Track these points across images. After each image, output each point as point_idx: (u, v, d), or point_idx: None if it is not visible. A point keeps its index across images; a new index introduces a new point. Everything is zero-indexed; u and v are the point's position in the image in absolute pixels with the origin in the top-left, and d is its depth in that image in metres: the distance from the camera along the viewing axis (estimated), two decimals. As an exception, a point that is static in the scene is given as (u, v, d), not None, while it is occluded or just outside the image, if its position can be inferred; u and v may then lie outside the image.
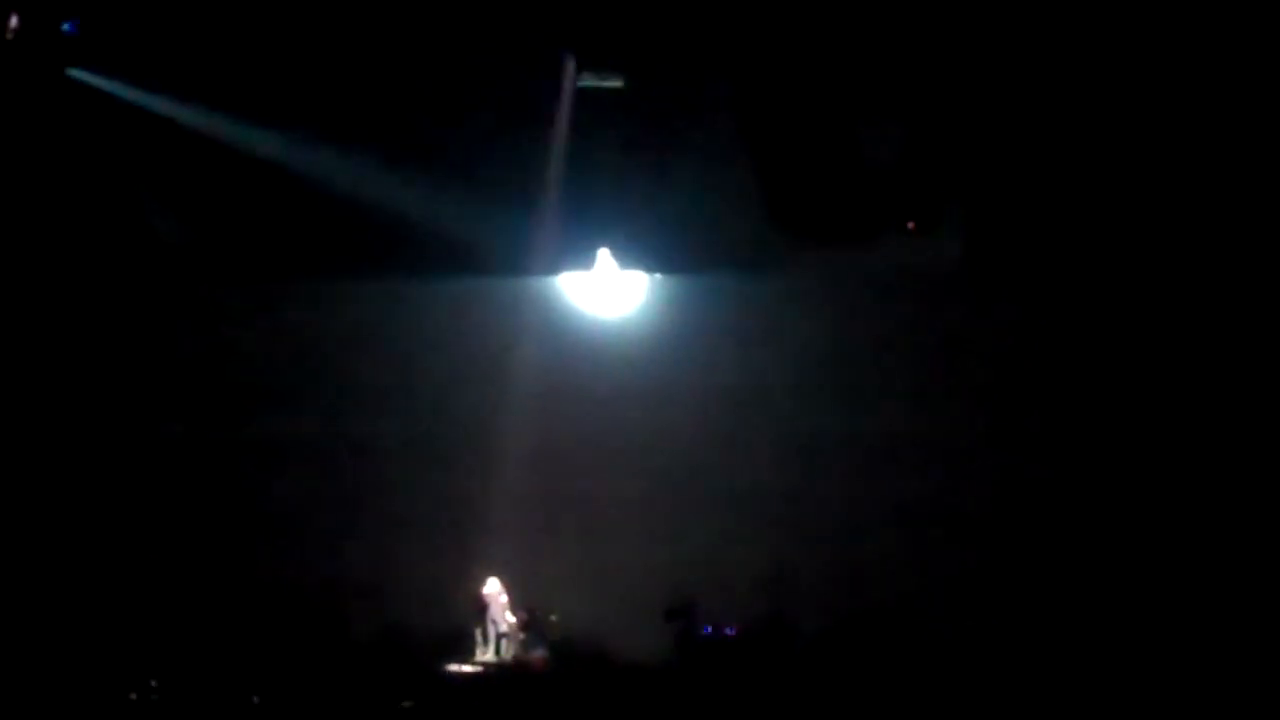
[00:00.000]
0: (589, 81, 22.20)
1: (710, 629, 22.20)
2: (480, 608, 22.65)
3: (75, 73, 21.93)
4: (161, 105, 22.47)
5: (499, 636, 22.53)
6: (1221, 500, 22.09)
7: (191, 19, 21.37)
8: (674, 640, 21.77)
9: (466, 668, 22.10)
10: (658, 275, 23.74)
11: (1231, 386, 22.33)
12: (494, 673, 21.86)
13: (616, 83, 22.21)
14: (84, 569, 22.92)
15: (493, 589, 22.67)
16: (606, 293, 23.81)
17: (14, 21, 21.10)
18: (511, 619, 22.52)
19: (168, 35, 21.50)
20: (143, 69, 21.89)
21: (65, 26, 21.40)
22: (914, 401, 23.14)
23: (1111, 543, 22.42)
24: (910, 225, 22.67)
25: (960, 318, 23.27)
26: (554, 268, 23.78)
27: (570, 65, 22.15)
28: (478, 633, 22.52)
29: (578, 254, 23.68)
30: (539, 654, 22.24)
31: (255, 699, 19.73)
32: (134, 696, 19.45)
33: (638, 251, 23.57)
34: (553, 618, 22.40)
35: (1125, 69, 20.80)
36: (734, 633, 22.19)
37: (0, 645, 20.50)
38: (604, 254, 23.66)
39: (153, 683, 19.71)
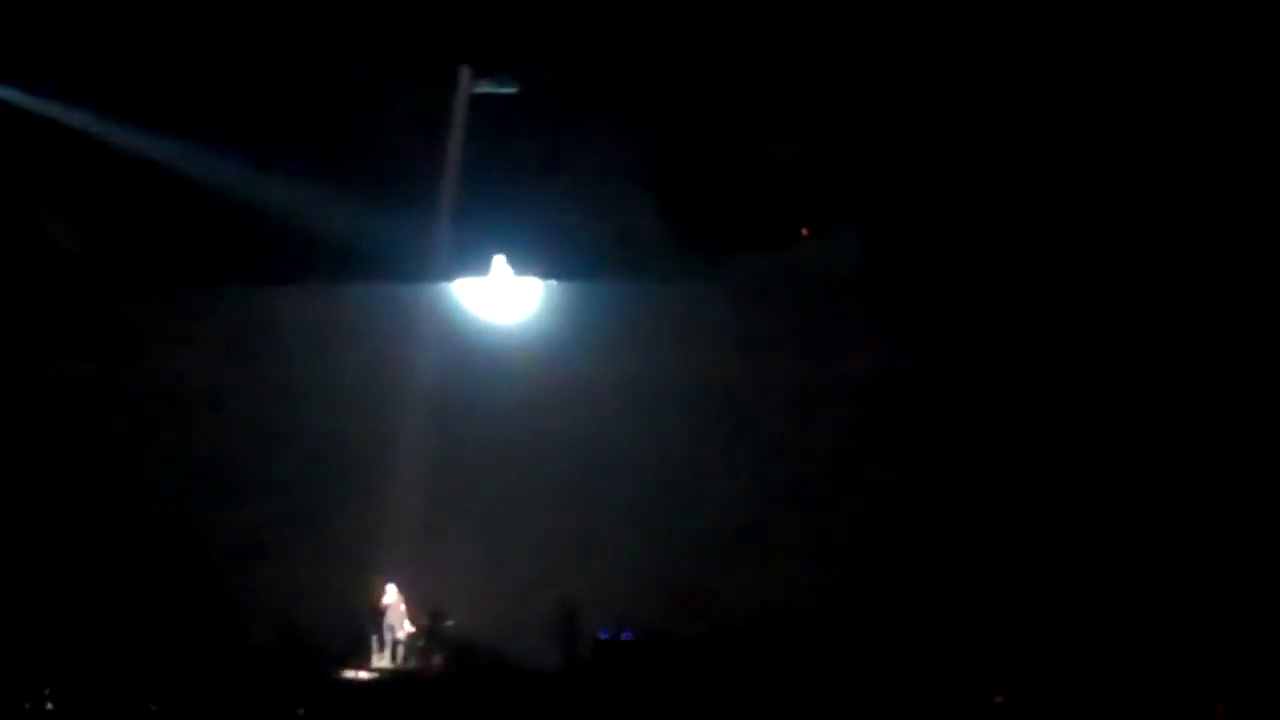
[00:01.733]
0: (485, 88, 22.25)
1: (608, 632, 22.28)
2: (378, 614, 22.65)
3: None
4: (57, 112, 22.38)
5: (395, 643, 22.55)
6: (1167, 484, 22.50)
7: (89, 24, 21.25)
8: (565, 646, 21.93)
9: (363, 674, 22.09)
10: (552, 281, 23.74)
11: (1135, 378, 22.69)
12: (390, 679, 21.88)
13: (511, 89, 22.27)
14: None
15: (391, 596, 22.68)
16: (501, 298, 23.81)
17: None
18: (409, 626, 22.54)
19: (63, 40, 21.37)
20: (37, 75, 21.73)
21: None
22: (806, 403, 23.31)
23: (1032, 532, 22.77)
24: (804, 231, 22.87)
25: (853, 321, 23.45)
26: (449, 274, 23.76)
27: (465, 73, 22.19)
28: (374, 639, 22.53)
29: (473, 260, 23.67)
30: (437, 659, 22.29)
31: (153, 707, 19.61)
32: (27, 707, 19.25)
33: (532, 258, 23.59)
34: (449, 623, 22.43)
35: (1022, 68, 21.04)
36: (630, 636, 22.28)
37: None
38: (499, 260, 23.66)
39: (47, 691, 19.52)
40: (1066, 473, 22.74)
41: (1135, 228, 22.08)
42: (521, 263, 23.70)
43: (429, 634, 22.45)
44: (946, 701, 19.52)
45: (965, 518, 22.84)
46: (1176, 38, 20.54)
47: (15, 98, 22.07)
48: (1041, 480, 22.75)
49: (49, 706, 19.20)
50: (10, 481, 23.40)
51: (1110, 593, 21.92)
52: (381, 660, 22.46)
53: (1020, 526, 22.66)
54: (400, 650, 22.56)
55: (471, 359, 23.55)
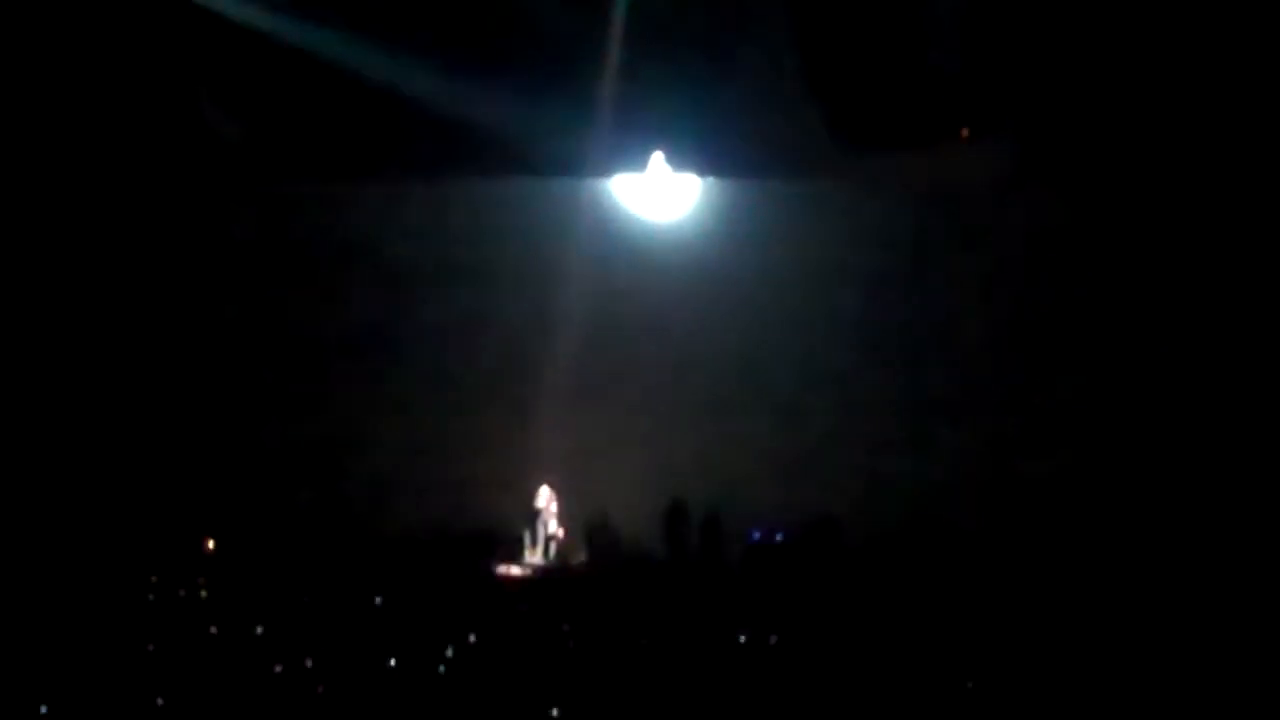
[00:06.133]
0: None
1: (759, 534, 22.21)
2: (532, 512, 22.77)
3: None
4: (223, 4, 22.58)
5: (548, 540, 22.68)
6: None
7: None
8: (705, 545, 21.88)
9: (515, 570, 22.25)
10: (710, 179, 23.57)
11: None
12: (540, 576, 22.04)
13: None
14: (127, 451, 23.22)
15: (544, 495, 22.80)
16: (659, 196, 23.69)
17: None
18: (557, 526, 22.67)
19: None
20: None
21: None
22: (966, 308, 23.02)
23: (1150, 457, 22.33)
24: (965, 132, 22.55)
25: (1013, 225, 23.05)
26: (607, 170, 23.68)
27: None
28: (527, 536, 22.67)
29: (631, 157, 23.58)
30: (581, 558, 22.42)
31: (305, 599, 19.82)
32: (182, 594, 19.53)
33: (691, 155, 23.45)
34: (599, 522, 22.51)
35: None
36: (782, 538, 22.20)
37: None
38: (657, 157, 23.57)
39: (200, 580, 19.82)
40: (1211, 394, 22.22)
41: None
42: (680, 160, 23.55)
43: (580, 533, 22.55)
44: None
45: (1109, 425, 22.49)
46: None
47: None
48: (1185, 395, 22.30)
49: (202, 595, 19.43)
50: (176, 356, 23.74)
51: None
52: (534, 557, 22.58)
53: (1164, 441, 22.28)
54: (553, 548, 22.66)
55: (627, 256, 23.47)
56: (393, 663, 16.24)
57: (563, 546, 22.59)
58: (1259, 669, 15.53)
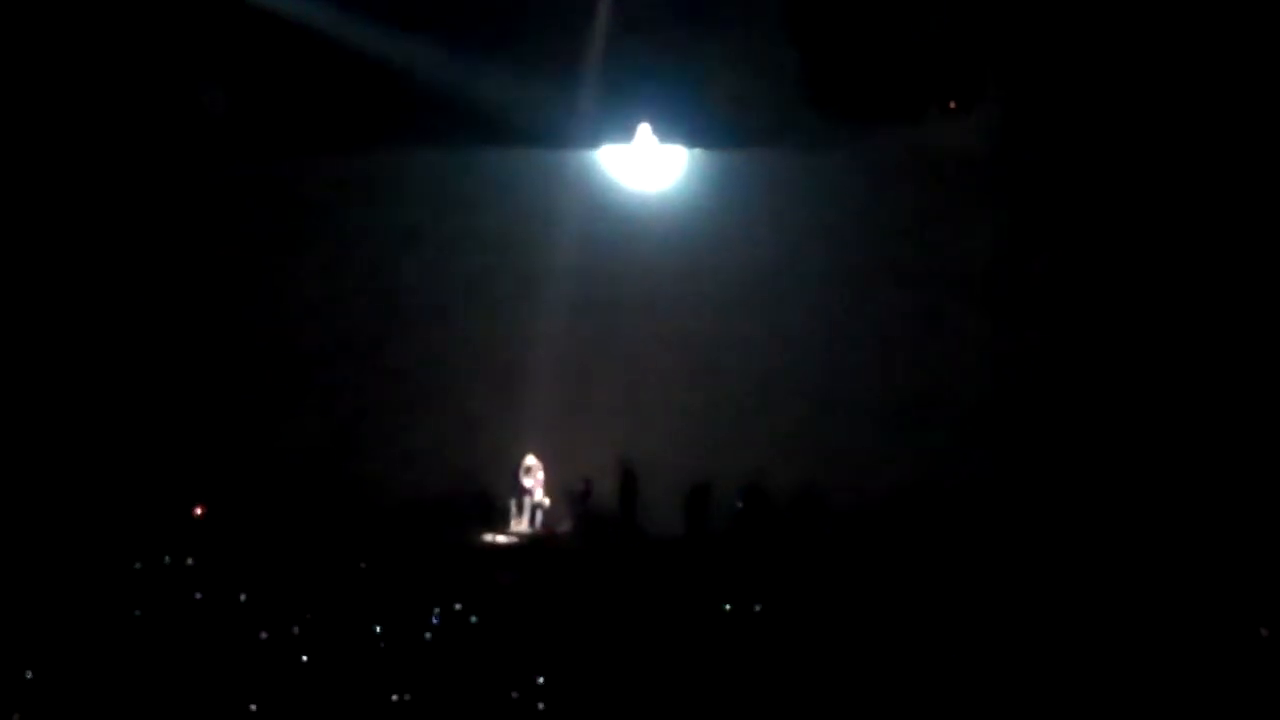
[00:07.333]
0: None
1: (743, 503, 22.26)
2: (516, 480, 22.80)
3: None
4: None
5: (534, 509, 22.73)
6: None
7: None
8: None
9: (500, 539, 22.31)
10: (697, 150, 23.58)
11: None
12: (524, 544, 22.11)
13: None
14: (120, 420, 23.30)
15: (529, 463, 22.84)
16: (645, 167, 23.71)
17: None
18: (542, 495, 22.73)
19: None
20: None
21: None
22: (951, 280, 23.03)
23: (1143, 428, 22.38)
24: (951, 103, 22.55)
25: (998, 197, 23.08)
26: (594, 141, 23.68)
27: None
28: (512, 505, 22.71)
29: (618, 128, 23.58)
30: (565, 526, 22.49)
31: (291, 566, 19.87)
32: (168, 560, 19.56)
33: (677, 126, 23.45)
34: (582, 490, 22.54)
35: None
36: (767, 507, 22.23)
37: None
38: (644, 128, 23.58)
39: (187, 547, 19.84)
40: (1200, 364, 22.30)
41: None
42: (666, 131, 23.57)
43: (565, 501, 22.60)
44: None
45: (1102, 400, 22.53)
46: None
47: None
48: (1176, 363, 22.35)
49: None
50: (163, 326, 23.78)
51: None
52: (519, 526, 22.64)
53: (1156, 412, 22.34)
54: (538, 517, 22.72)
55: (614, 227, 23.47)
56: (378, 630, 16.29)
57: (548, 515, 22.65)
58: (1257, 666, 15.61)
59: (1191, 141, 22.02)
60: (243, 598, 17.36)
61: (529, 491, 22.77)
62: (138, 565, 18.89)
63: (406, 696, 15.37)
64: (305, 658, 15.79)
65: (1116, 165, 22.46)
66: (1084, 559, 19.15)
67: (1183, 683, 15.59)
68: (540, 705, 15.28)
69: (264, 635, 16.18)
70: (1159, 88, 21.69)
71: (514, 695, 15.39)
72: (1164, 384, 22.40)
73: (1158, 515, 21.03)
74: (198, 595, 17.43)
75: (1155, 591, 17.59)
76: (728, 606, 17.24)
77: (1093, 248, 22.80)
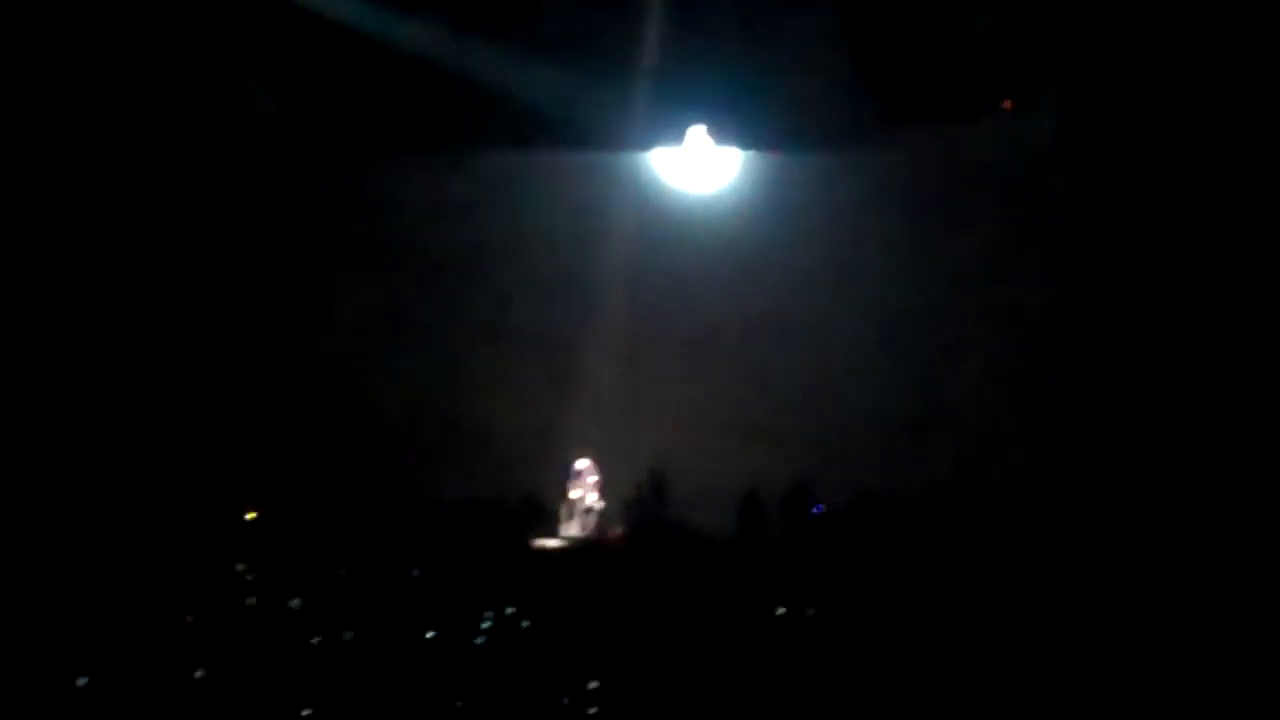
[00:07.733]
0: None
1: (821, 506, 22.17)
2: (571, 484, 22.75)
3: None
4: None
5: (586, 513, 22.66)
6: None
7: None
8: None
9: (552, 543, 22.25)
10: (750, 152, 23.49)
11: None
12: (577, 548, 22.04)
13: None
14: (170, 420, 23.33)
15: (582, 465, 22.78)
16: (698, 169, 23.62)
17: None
18: (597, 499, 22.67)
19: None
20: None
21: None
22: (1007, 282, 22.90)
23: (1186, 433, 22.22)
24: (1007, 103, 22.43)
25: (1056, 198, 22.88)
26: (646, 143, 23.61)
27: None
28: (564, 509, 22.65)
29: (670, 129, 23.53)
30: (618, 530, 22.41)
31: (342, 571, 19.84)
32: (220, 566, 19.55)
33: (730, 128, 23.38)
34: (635, 495, 22.48)
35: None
36: (820, 510, 22.17)
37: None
38: (697, 130, 23.50)
39: (239, 552, 19.84)
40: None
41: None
42: (719, 133, 23.50)
43: (618, 504, 22.54)
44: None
45: (1146, 403, 22.40)
46: None
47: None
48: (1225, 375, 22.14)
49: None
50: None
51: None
52: (571, 530, 22.57)
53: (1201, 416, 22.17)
54: (591, 521, 22.65)
55: (665, 229, 23.43)
56: (429, 635, 16.25)
57: (601, 519, 22.60)
58: (1259, 664, 15.46)
59: (1253, 150, 21.86)
60: (294, 604, 17.32)
61: (583, 495, 22.72)
62: (189, 571, 18.93)
63: (459, 703, 15.31)
64: (357, 664, 15.73)
65: (1176, 172, 22.30)
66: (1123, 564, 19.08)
67: (1196, 685, 15.46)
68: (592, 710, 15.21)
69: (315, 641, 16.13)
70: (1219, 94, 21.52)
71: (565, 701, 15.31)
72: (1213, 392, 22.25)
73: (1179, 517, 20.93)
74: (250, 600, 17.41)
75: (1170, 592, 17.49)
76: (781, 610, 17.12)
77: (1145, 253, 22.66)
